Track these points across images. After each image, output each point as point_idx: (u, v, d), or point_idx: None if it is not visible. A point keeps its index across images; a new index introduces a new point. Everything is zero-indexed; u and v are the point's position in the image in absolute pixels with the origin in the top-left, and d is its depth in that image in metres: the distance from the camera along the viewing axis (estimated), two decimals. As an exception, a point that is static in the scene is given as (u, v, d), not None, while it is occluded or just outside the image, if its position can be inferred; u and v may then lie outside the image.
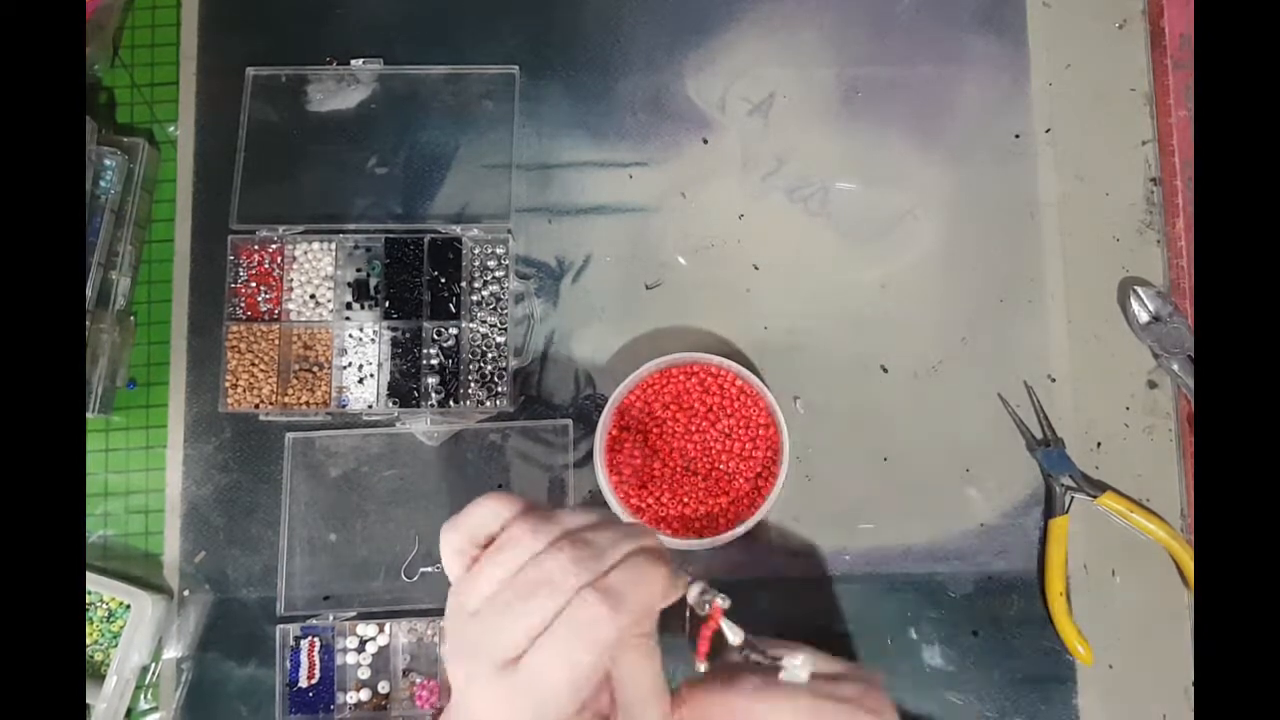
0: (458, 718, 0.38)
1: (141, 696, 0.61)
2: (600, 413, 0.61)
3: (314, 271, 0.64)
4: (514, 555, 0.38)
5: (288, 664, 0.61)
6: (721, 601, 0.40)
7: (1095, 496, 0.61)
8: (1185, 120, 0.67)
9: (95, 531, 0.63)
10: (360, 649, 0.61)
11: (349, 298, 0.64)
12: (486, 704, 0.36)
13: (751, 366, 0.62)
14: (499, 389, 0.63)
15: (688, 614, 0.40)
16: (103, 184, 0.63)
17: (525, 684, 0.35)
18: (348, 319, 0.64)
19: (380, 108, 0.67)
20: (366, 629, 0.61)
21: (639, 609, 0.36)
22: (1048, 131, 0.67)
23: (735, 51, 0.68)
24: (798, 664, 0.40)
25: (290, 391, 0.63)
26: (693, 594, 0.40)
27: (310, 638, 0.61)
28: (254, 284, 0.64)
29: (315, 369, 0.63)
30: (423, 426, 0.63)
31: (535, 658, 0.36)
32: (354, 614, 0.61)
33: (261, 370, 0.63)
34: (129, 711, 0.60)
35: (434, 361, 0.63)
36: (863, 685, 0.41)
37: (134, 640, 0.59)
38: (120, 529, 0.63)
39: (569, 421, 0.63)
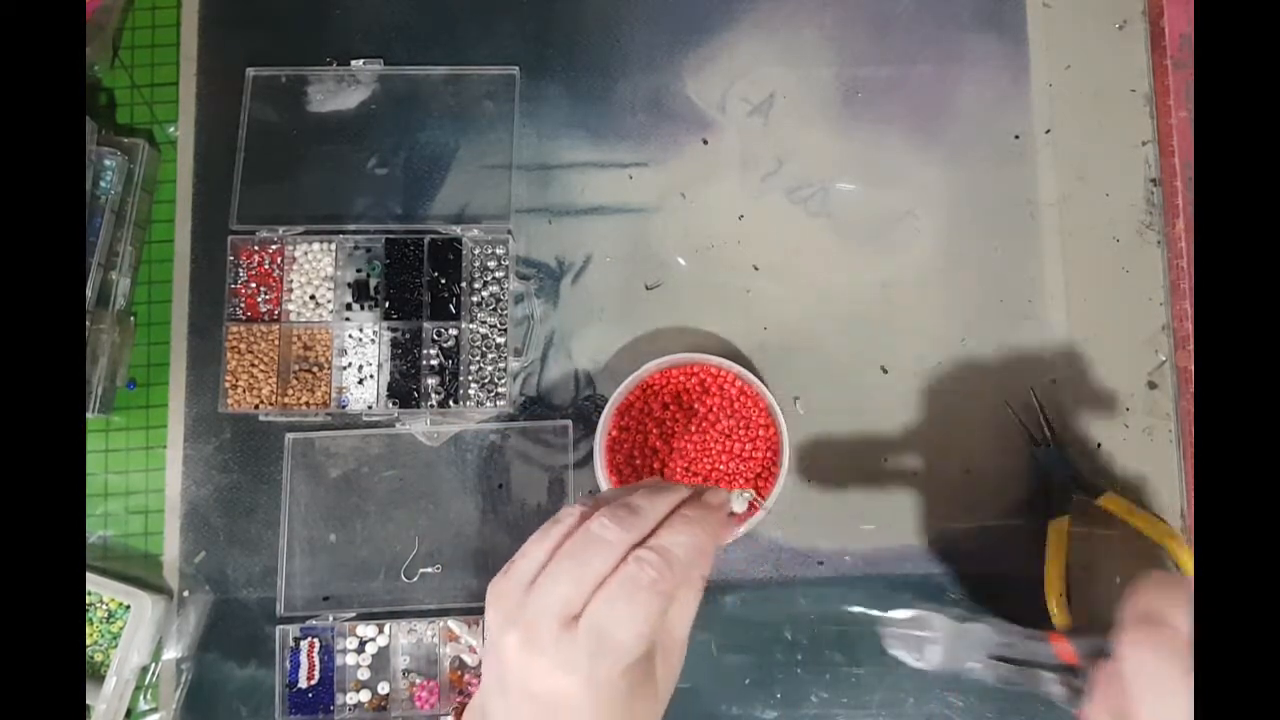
0: (505, 686, 0.38)
1: (141, 697, 0.61)
2: (600, 413, 0.61)
3: (314, 272, 0.64)
4: (560, 528, 0.40)
5: (287, 664, 0.61)
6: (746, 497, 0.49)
7: (1095, 496, 0.61)
8: (1185, 120, 0.67)
9: (95, 532, 0.63)
10: (360, 649, 0.61)
11: (349, 298, 0.64)
12: (544, 667, 0.37)
13: (751, 367, 0.62)
14: (499, 389, 0.63)
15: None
16: (103, 184, 0.63)
17: (590, 639, 0.36)
18: (348, 319, 0.64)
19: (380, 108, 0.67)
20: (366, 629, 0.61)
21: (689, 561, 0.39)
22: (1048, 132, 0.67)
23: (735, 51, 0.68)
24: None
25: (290, 392, 0.63)
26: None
27: (310, 638, 0.61)
28: (254, 284, 0.64)
29: (315, 369, 0.63)
30: (423, 427, 0.63)
31: (598, 612, 0.37)
32: (354, 614, 0.61)
33: (261, 371, 0.63)
34: (129, 712, 0.60)
35: (434, 362, 0.63)
36: None
37: (134, 641, 0.59)
38: (120, 529, 0.63)
39: (569, 422, 0.63)
